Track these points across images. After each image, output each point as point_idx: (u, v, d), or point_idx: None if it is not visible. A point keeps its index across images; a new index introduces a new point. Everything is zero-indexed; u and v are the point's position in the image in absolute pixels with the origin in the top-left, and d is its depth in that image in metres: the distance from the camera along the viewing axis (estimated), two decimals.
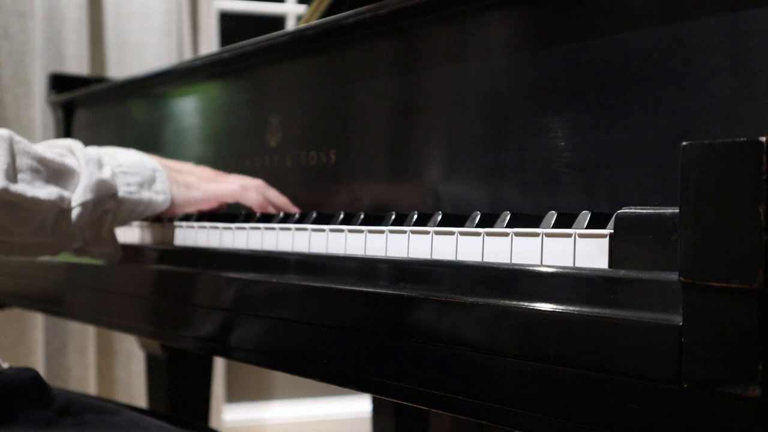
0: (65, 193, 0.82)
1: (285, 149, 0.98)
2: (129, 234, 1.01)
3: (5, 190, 0.76)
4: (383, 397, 0.64)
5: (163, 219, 0.97)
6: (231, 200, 0.97)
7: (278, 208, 0.97)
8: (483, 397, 0.54)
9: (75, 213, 0.83)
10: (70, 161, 0.84)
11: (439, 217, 0.69)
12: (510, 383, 0.52)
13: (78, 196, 0.83)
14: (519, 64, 0.73)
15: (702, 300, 0.42)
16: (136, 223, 1.00)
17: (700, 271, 0.42)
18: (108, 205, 0.86)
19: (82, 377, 2.19)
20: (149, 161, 0.92)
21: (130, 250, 0.98)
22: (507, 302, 0.53)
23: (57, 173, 0.83)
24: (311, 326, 0.68)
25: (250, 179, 0.98)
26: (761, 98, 0.57)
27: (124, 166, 0.89)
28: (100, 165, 0.86)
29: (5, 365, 0.85)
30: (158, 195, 0.91)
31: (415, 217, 0.71)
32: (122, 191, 0.87)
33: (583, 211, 0.59)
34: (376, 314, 0.62)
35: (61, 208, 0.82)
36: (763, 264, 0.39)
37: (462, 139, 0.78)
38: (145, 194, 0.89)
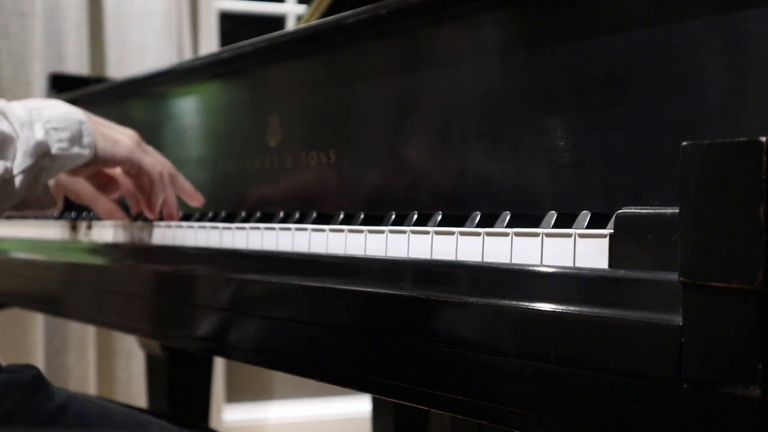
0: (7, 164, 0.83)
1: (285, 149, 0.98)
2: (128, 233, 1.01)
3: None
4: (383, 397, 0.64)
5: (142, 217, 0.98)
6: (145, 176, 0.97)
7: (184, 192, 1.00)
8: (483, 397, 0.54)
9: (18, 180, 0.84)
10: (5, 127, 0.84)
11: (439, 217, 0.69)
12: (510, 383, 0.52)
13: (19, 163, 0.84)
14: (519, 63, 0.73)
15: (702, 300, 0.42)
16: (135, 223, 1.00)
17: (700, 271, 0.42)
18: (43, 163, 0.87)
19: (82, 377, 2.19)
20: (75, 113, 0.92)
21: (129, 249, 0.98)
22: (507, 302, 0.53)
23: None
24: (311, 326, 0.68)
25: (167, 169, 0.98)
26: (761, 98, 0.57)
27: (54, 122, 0.89)
28: (31, 125, 0.87)
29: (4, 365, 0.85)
30: (84, 149, 0.91)
31: (415, 217, 0.71)
32: (55, 148, 0.88)
33: (583, 211, 0.59)
34: (377, 314, 0.62)
35: (4, 178, 0.83)
36: (763, 264, 0.39)
37: (462, 139, 0.78)
38: (75, 149, 0.90)
